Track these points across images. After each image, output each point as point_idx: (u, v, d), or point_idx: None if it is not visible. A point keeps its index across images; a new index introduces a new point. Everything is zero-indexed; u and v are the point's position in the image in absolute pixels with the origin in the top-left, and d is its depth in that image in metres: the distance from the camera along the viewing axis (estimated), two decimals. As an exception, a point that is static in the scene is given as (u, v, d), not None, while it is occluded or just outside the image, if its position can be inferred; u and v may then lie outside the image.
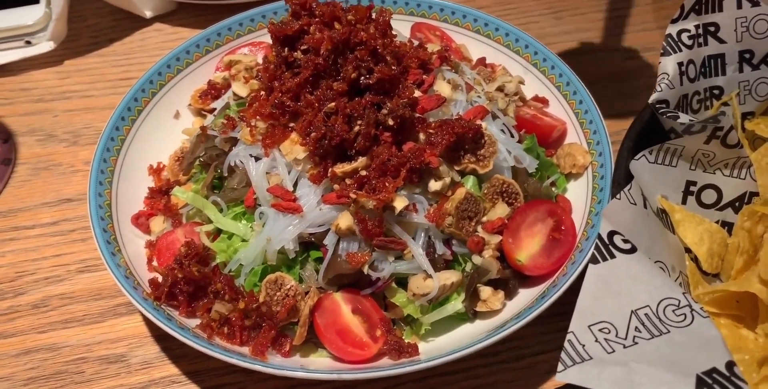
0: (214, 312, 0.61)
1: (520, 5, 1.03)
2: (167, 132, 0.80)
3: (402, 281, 0.63)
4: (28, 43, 0.97)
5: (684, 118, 0.67)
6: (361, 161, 0.60)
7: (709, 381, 0.45)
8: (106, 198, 0.70)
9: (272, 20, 0.81)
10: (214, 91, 0.80)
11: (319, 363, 0.61)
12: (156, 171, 0.77)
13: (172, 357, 0.68)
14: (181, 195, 0.67)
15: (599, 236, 0.55)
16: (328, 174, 0.61)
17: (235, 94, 0.72)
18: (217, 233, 0.67)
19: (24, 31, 0.96)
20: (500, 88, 0.75)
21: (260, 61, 0.81)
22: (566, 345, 0.49)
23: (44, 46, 0.97)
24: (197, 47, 0.82)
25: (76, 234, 0.79)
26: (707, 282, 0.64)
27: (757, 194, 0.70)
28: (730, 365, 0.46)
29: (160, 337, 0.69)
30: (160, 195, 0.73)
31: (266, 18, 0.85)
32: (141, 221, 0.71)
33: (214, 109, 0.79)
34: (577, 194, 0.71)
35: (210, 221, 0.67)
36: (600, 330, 0.50)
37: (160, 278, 0.64)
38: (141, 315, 0.71)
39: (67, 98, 0.94)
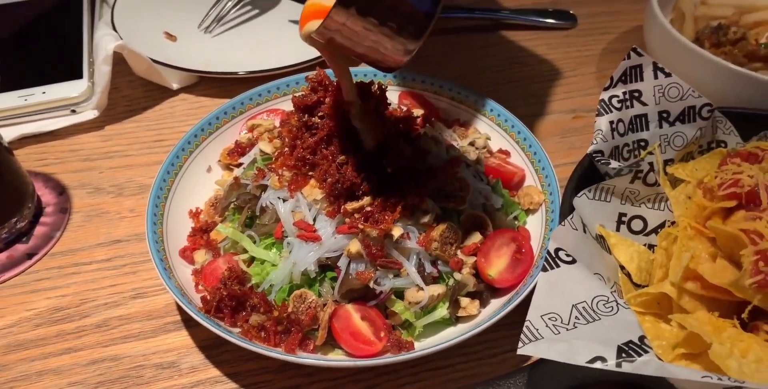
0: (252, 321, 0.78)
1: (484, 76, 1.20)
2: (202, 183, 0.95)
3: (399, 294, 0.79)
4: (74, 111, 1.12)
5: (614, 164, 0.83)
6: (367, 199, 0.77)
7: (626, 349, 0.61)
8: (159, 236, 0.85)
9: (294, 94, 1.00)
10: (240, 149, 0.97)
11: (336, 357, 0.77)
12: (195, 215, 0.93)
13: (214, 363, 0.82)
14: (223, 231, 0.84)
15: (548, 252, 0.71)
16: (341, 211, 0.77)
17: (261, 151, 0.90)
18: (251, 260, 0.83)
19: (70, 102, 1.11)
20: (472, 143, 0.94)
21: (277, 124, 0.99)
22: (524, 329, 0.65)
23: (89, 114, 1.12)
24: (225, 114, 1.00)
25: (127, 268, 0.93)
26: (636, 290, 0.82)
27: (673, 222, 0.84)
28: (641, 338, 0.62)
29: (204, 347, 0.84)
30: (200, 233, 0.89)
31: (280, 90, 1.04)
32: (187, 253, 0.87)
33: (241, 164, 0.96)
34: (535, 225, 0.88)
35: (245, 251, 0.83)
36: (549, 319, 0.66)
37: (207, 297, 0.80)
38: (187, 329, 0.86)
39: (110, 158, 1.09)
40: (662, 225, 0.85)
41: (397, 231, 0.76)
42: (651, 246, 0.85)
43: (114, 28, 1.20)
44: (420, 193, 0.78)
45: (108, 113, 1.15)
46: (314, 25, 0.61)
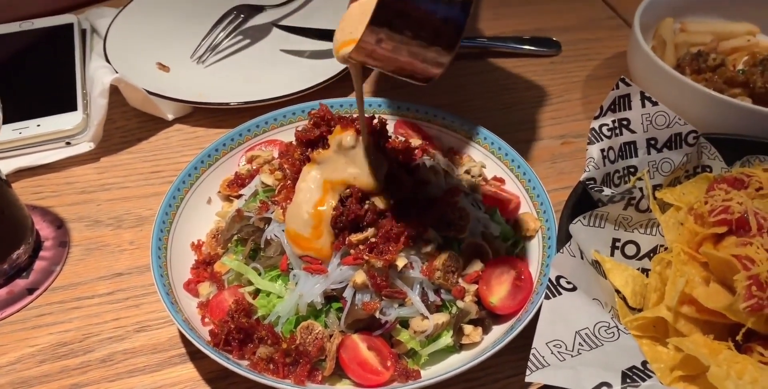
0: (261, 353, 0.79)
1: (475, 103, 1.23)
2: (202, 215, 0.96)
3: (404, 323, 0.80)
4: (68, 144, 1.12)
5: (607, 191, 0.85)
6: (371, 231, 0.79)
7: (630, 374, 0.63)
8: (164, 269, 0.86)
9: (293, 125, 1.02)
10: (240, 180, 0.98)
11: (345, 387, 0.78)
12: (197, 247, 0.94)
13: (220, 396, 0.84)
14: (228, 263, 0.85)
15: (549, 280, 0.74)
16: (346, 242, 0.80)
17: (263, 183, 0.91)
18: (257, 292, 0.84)
19: (65, 134, 1.11)
20: (467, 172, 0.97)
21: (275, 155, 1.01)
22: (531, 357, 0.67)
23: (84, 146, 1.12)
24: (224, 145, 1.01)
25: (129, 302, 0.93)
26: (632, 314, 0.84)
27: (665, 246, 0.87)
28: (644, 363, 0.65)
29: (210, 379, 0.84)
30: (204, 265, 0.91)
31: (277, 121, 1.05)
32: (191, 286, 0.88)
33: (240, 195, 0.98)
34: (532, 251, 0.90)
35: (250, 283, 0.85)
36: (554, 346, 0.68)
37: (216, 330, 0.81)
38: (192, 361, 0.87)
39: (107, 190, 1.08)
40: (654, 250, 0.88)
41: (401, 261, 0.78)
42: (644, 270, 0.88)
43: (107, 60, 1.21)
44: (422, 223, 0.80)
45: (103, 145, 1.16)
46: (349, 48, 0.64)
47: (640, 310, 0.84)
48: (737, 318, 0.71)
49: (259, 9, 1.34)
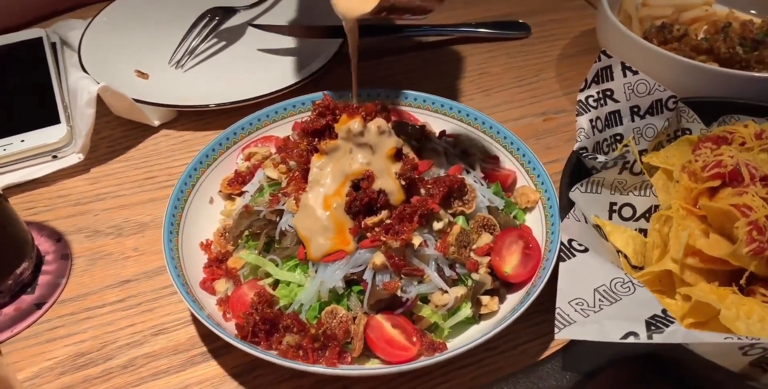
0: (289, 341, 0.80)
1: (458, 88, 1.27)
2: (206, 215, 0.97)
3: (423, 299, 0.83)
4: (55, 157, 1.11)
5: (601, 158, 0.90)
6: (385, 213, 0.81)
7: (653, 322, 0.67)
8: (180, 270, 0.87)
9: (301, 121, 1.02)
10: (240, 177, 0.99)
11: (377, 365, 0.80)
12: (206, 246, 0.94)
13: (249, 387, 0.83)
14: (246, 257, 0.86)
15: (562, 243, 0.77)
16: (362, 226, 0.82)
17: (268, 177, 0.92)
18: (275, 284, 0.86)
19: (50, 148, 1.10)
20: (464, 151, 1.00)
21: (273, 151, 1.03)
22: (557, 316, 0.70)
23: (73, 158, 1.11)
24: (220, 145, 1.02)
25: (142, 307, 0.93)
26: (635, 272, 0.88)
27: (659, 206, 0.92)
28: (664, 311, 0.68)
29: (236, 374, 0.85)
30: (217, 263, 0.91)
31: (269, 117, 1.06)
32: (207, 284, 0.89)
33: (243, 192, 0.99)
34: (534, 221, 0.93)
35: (267, 276, 0.86)
36: (576, 304, 0.71)
37: (242, 324, 0.82)
38: (215, 359, 0.87)
39: (102, 199, 1.08)
40: (649, 210, 0.92)
41: (416, 240, 0.81)
42: (641, 230, 0.92)
43: (85, 71, 1.20)
44: (432, 201, 0.82)
45: (90, 156, 1.15)
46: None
47: (641, 268, 0.89)
48: (740, 262, 0.76)
49: (232, 11, 1.34)
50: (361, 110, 0.82)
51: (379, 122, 0.80)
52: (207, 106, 1.16)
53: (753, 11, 1.29)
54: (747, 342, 0.66)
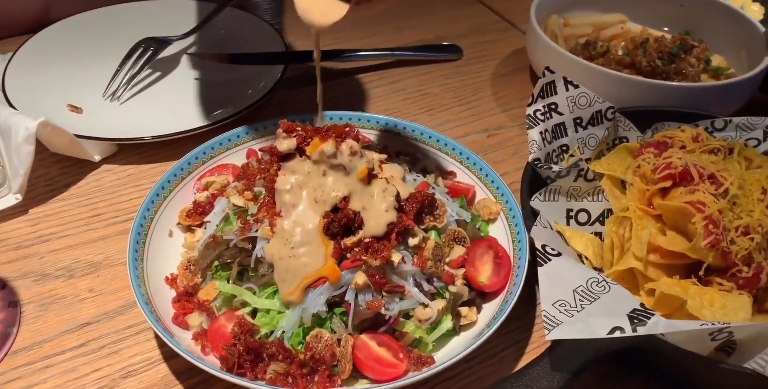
0: (276, 369, 0.78)
1: (401, 109, 1.30)
2: (166, 249, 0.94)
3: (405, 316, 0.83)
4: None
5: (555, 168, 0.95)
6: (362, 232, 0.82)
7: (635, 316, 0.71)
8: (151, 306, 0.83)
9: (259, 148, 1.03)
10: (199, 208, 0.97)
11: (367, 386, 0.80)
12: (172, 281, 0.91)
13: (232, 422, 0.81)
14: (221, 287, 0.83)
15: (537, 249, 0.80)
16: (342, 246, 0.82)
17: (234, 205, 0.91)
18: (253, 312, 0.84)
19: None
20: (423, 169, 1.02)
21: (230, 179, 1.01)
22: (544, 318, 0.72)
23: (9, 199, 1.05)
24: (175, 176, 0.99)
25: (106, 349, 0.88)
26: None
27: (611, 210, 1.01)
28: (642, 305, 0.73)
29: (217, 410, 0.83)
30: (186, 297, 0.88)
31: (223, 145, 1.05)
32: (180, 320, 0.86)
33: (203, 223, 0.97)
34: (498, 231, 0.96)
35: (244, 305, 0.84)
36: (559, 305, 0.74)
37: (225, 355, 0.79)
38: (196, 396, 0.84)
39: (46, 241, 1.02)
40: (602, 214, 0.97)
41: (396, 257, 0.81)
42: (597, 234, 0.97)
43: (13, 108, 1.14)
44: (407, 218, 0.84)
45: (27, 197, 1.08)
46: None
47: (600, 270, 0.93)
48: (698, 255, 0.82)
49: (166, 41, 1.32)
50: (330, 131, 0.82)
51: (350, 143, 0.81)
52: (149, 138, 1.13)
53: (665, 28, 1.41)
54: (717, 327, 0.71)
